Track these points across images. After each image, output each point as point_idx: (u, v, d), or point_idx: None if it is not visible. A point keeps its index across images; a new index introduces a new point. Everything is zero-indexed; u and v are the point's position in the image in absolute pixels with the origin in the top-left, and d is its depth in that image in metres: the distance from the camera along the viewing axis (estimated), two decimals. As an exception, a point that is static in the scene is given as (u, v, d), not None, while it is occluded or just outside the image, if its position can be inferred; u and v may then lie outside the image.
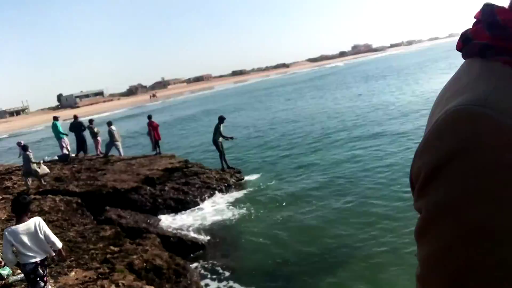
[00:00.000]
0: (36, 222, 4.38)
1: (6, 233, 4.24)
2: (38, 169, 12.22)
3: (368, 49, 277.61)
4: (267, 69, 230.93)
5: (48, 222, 9.15)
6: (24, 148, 12.59)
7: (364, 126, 19.17)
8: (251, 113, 34.70)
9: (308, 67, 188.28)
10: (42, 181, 12.57)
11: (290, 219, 9.76)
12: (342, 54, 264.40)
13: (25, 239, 4.25)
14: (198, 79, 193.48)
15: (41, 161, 13.33)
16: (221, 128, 14.79)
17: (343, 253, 7.57)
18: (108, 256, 6.61)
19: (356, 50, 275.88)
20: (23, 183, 13.48)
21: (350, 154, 14.62)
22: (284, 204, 10.85)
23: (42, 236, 4.37)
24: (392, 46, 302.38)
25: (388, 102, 25.43)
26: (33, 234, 4.32)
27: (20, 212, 4.38)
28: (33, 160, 12.31)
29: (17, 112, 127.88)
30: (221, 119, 14.83)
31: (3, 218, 9.54)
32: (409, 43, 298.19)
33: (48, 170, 13.05)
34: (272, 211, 10.48)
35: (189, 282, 6.63)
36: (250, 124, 26.98)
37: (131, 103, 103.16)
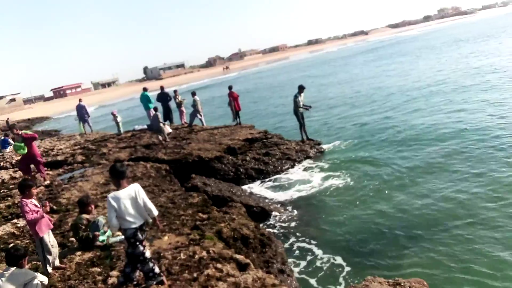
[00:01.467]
0: (135, 189, 4.54)
1: (110, 198, 4.45)
2: (164, 128, 15.13)
3: (457, 12, 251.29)
4: (344, 37, 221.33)
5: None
6: (155, 109, 16.09)
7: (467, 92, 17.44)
8: (329, 81, 33.58)
9: (389, 33, 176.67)
10: (167, 138, 15.06)
11: (372, 193, 9.28)
12: (427, 18, 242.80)
13: (127, 204, 4.44)
14: (273, 50, 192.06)
15: (164, 124, 15.69)
16: (300, 98, 14.46)
17: (431, 233, 7.00)
18: (198, 223, 6.83)
19: (443, 13, 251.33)
20: (117, 150, 14.57)
21: (450, 125, 13.39)
22: (367, 177, 10.36)
23: (141, 202, 4.54)
24: (484, 8, 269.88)
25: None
26: (134, 200, 4.50)
27: (119, 178, 4.56)
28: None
29: (108, 84, 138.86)
30: (301, 88, 14.49)
31: (101, 182, 10.37)
32: (504, 4, 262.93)
33: (171, 130, 15.81)
34: (353, 184, 10.08)
35: (274, 253, 6.63)
36: (331, 93, 26.13)
37: (206, 75, 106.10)
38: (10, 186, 11.27)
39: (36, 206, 5.09)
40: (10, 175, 12.66)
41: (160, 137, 14.90)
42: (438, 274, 5.74)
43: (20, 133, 10.95)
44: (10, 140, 20.77)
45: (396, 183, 9.58)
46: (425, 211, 7.90)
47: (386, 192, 9.20)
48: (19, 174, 12.69)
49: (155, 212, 4.69)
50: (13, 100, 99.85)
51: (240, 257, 5.39)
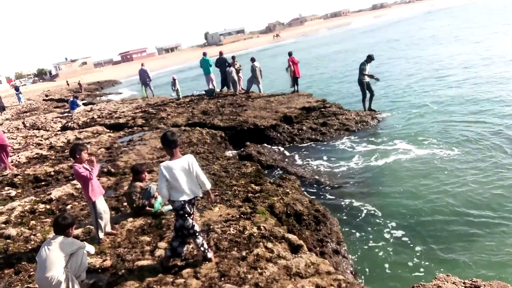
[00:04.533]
0: (189, 161, 4.30)
1: (162, 167, 4.25)
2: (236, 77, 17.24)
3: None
4: (411, 1, 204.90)
5: (195, 154, 9.71)
6: (229, 65, 17.50)
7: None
8: (396, 53, 31.34)
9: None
10: (240, 90, 17.55)
11: (442, 172, 8.38)
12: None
13: (179, 175, 4.22)
14: (335, 15, 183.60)
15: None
16: (367, 67, 13.49)
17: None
18: (250, 195, 6.55)
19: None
20: (175, 115, 14.69)
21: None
22: (433, 152, 9.39)
23: (194, 175, 4.31)
24: None
25: None
26: (186, 172, 4.27)
27: (171, 147, 4.33)
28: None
29: (171, 49, 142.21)
30: (370, 58, 13.53)
31: (158, 146, 10.45)
32: None
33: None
34: (417, 159, 9.19)
35: (329, 232, 6.21)
36: (394, 64, 24.32)
37: (265, 41, 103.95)
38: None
39: (87, 170, 5.05)
40: (75, 136, 13.26)
41: (233, 89, 17.19)
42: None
43: None
44: (79, 102, 21.92)
45: (470, 164, 8.57)
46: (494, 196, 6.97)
47: (458, 172, 8.25)
48: (83, 135, 13.27)
49: (208, 186, 4.44)
50: (84, 63, 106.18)
51: (292, 237, 5.02)
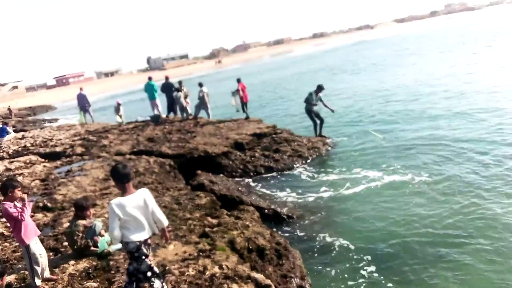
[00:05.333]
0: (145, 196, 3.84)
1: (114, 205, 3.73)
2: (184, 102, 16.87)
3: (463, 7, 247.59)
4: (349, 30, 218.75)
5: (143, 184, 9.03)
6: (176, 89, 17.13)
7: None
8: (341, 78, 32.69)
9: (395, 28, 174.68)
10: (190, 115, 17.05)
11: (388, 198, 8.49)
12: (433, 13, 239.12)
13: (133, 213, 3.75)
14: (278, 42, 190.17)
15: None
16: (316, 97, 13.72)
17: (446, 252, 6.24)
18: (207, 229, 6.08)
19: (450, 9, 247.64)
20: (118, 142, 13.83)
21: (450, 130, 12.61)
22: (382, 179, 9.53)
23: (150, 212, 3.85)
24: (491, 4, 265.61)
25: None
26: (142, 209, 3.81)
27: (123, 181, 3.85)
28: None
29: (111, 74, 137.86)
30: (320, 88, 13.83)
31: (101, 177, 9.64)
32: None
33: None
34: (372, 185, 9.26)
35: (292, 266, 5.89)
36: (340, 91, 25.24)
37: (201, 68, 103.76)
38: (4, 179, 10.54)
39: (18, 210, 4.35)
40: (5, 166, 11.92)
41: (185, 115, 16.82)
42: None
43: None
44: (9, 129, 20.08)
45: (420, 187, 8.79)
46: (444, 219, 7.13)
47: (412, 196, 8.41)
48: (14, 165, 11.98)
49: (165, 223, 4.01)
50: (15, 87, 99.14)
51: (259, 276, 4.64)
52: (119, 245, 5.39)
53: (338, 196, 9.04)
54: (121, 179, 3.84)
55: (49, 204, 7.84)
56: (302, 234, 7.50)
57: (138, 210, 3.80)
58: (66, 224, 6.36)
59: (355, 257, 6.46)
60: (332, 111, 13.95)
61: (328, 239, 7.16)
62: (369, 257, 6.37)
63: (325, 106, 13.82)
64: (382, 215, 7.76)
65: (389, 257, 6.36)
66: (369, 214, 7.92)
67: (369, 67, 35.81)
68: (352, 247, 6.76)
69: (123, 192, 3.87)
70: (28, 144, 15.56)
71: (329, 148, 12.99)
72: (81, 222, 5.61)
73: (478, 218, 7.07)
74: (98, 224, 5.71)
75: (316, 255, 6.72)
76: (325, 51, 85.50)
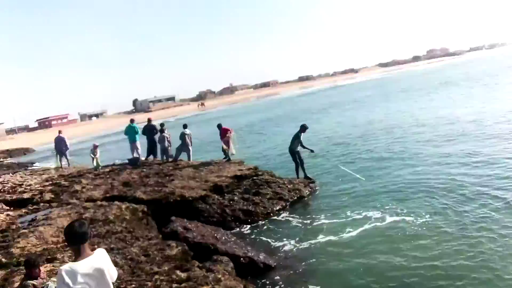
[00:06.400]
0: (103, 260, 3.30)
1: (64, 272, 3.13)
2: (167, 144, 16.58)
3: (445, 53, 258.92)
4: (334, 74, 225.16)
5: (111, 233, 8.40)
6: (158, 131, 16.99)
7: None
8: (323, 119, 32.93)
9: (378, 72, 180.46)
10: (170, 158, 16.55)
11: (372, 241, 8.03)
12: (416, 58, 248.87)
13: (87, 281, 3.17)
14: (264, 85, 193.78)
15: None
16: (301, 138, 13.49)
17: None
18: (174, 285, 5.49)
19: (431, 54, 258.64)
20: (91, 187, 13.18)
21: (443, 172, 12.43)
22: (366, 223, 9.07)
23: (108, 279, 3.29)
24: (471, 49, 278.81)
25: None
26: (99, 273, 3.24)
27: (78, 242, 3.30)
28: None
29: (96, 116, 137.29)
30: (303, 128, 13.61)
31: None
32: (491, 46, 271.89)
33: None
34: (351, 230, 8.77)
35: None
36: (323, 131, 25.25)
37: (185, 111, 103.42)
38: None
39: None
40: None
41: (165, 157, 16.50)
42: None
43: None
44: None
45: (418, 229, 8.32)
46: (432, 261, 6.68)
47: (398, 241, 7.95)
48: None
49: (115, 276, 3.49)
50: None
51: None
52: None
53: (320, 242, 8.53)
54: (74, 240, 3.30)
55: (3, 260, 7.11)
56: (279, 285, 6.89)
57: (94, 276, 3.23)
58: (17, 284, 5.67)
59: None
60: (312, 151, 13.69)
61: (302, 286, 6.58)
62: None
63: (303, 147, 13.55)
64: (367, 264, 7.25)
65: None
66: (353, 262, 7.41)
67: (352, 107, 36.32)
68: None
69: (77, 255, 3.30)
70: (-4, 190, 14.72)
71: (311, 191, 12.57)
72: (31, 282, 4.96)
73: (469, 258, 6.67)
74: (51, 285, 5.05)
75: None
76: (310, 93, 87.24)
